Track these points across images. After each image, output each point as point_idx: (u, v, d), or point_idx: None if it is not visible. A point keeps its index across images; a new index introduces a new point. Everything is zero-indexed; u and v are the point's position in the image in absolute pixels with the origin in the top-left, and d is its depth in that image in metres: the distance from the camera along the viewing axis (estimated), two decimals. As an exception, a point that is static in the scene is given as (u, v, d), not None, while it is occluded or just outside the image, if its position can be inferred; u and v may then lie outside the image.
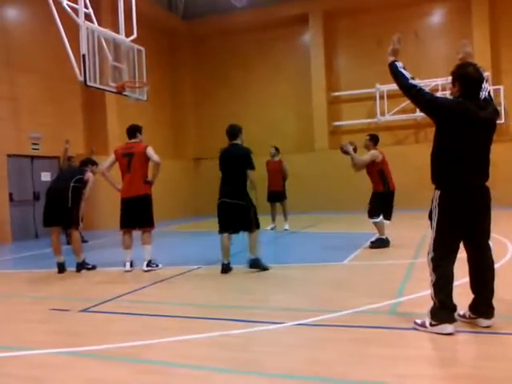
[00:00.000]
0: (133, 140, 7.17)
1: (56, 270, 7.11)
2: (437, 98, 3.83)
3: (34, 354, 3.68)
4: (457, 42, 13.99)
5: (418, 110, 14.62)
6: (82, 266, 7.20)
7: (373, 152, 7.99)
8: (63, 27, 8.12)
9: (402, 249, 7.86)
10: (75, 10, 8.24)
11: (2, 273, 7.82)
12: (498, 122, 3.91)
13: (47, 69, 13.13)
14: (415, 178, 14.31)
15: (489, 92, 3.83)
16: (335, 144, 17.24)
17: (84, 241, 9.66)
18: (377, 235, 8.14)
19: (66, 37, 8.10)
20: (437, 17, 16.46)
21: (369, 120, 16.76)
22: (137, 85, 9.24)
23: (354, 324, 4.04)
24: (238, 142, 6.76)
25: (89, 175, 7.31)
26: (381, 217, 7.95)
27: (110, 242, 10.96)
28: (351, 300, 4.78)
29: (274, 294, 5.37)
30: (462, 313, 3.86)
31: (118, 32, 9.08)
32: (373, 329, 3.91)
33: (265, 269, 6.51)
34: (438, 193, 3.76)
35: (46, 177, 12.90)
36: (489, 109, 3.71)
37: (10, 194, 12.18)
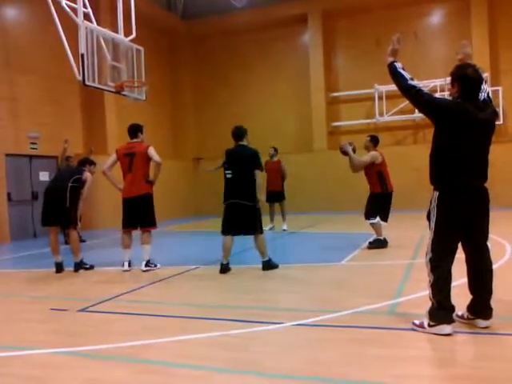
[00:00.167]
0: (134, 140, 7.16)
1: (54, 269, 7.11)
2: (436, 98, 3.83)
3: (33, 354, 3.68)
4: (456, 42, 13.99)
5: (416, 110, 14.65)
6: (80, 266, 7.19)
7: (373, 153, 7.99)
8: (62, 27, 8.11)
9: (401, 249, 7.87)
10: (74, 10, 8.24)
11: (1, 272, 7.80)
12: (496, 123, 3.92)
13: (46, 68, 13.12)
14: (414, 179, 14.34)
15: (488, 93, 3.83)
16: (334, 144, 17.25)
17: (82, 240, 9.66)
18: (374, 236, 8.14)
19: (65, 36, 8.09)
20: (436, 17, 16.48)
21: (367, 120, 16.78)
22: (135, 85, 9.23)
23: (352, 324, 4.05)
24: (244, 142, 6.77)
25: (87, 175, 7.31)
26: (377, 218, 7.95)
27: (108, 242, 10.96)
28: (350, 300, 4.79)
29: (274, 294, 5.38)
30: (460, 313, 3.87)
31: (116, 32, 9.08)
32: (372, 329, 3.91)
33: (276, 267, 6.59)
34: (436, 193, 3.76)
35: (44, 176, 12.88)
36: (488, 110, 3.72)
37: (9, 194, 12.16)
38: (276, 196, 11.44)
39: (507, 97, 14.92)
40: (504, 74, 15.34)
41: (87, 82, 8.02)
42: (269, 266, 6.57)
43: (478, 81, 3.71)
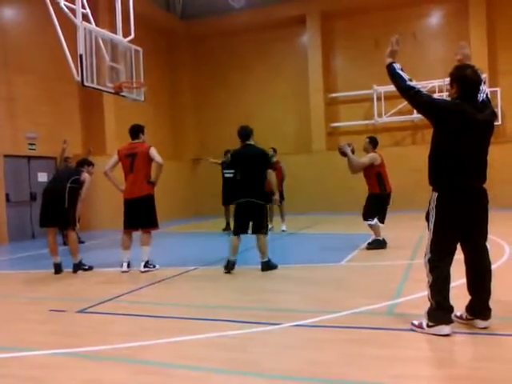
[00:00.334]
0: (136, 140, 7.16)
1: (53, 270, 7.10)
2: (434, 99, 3.83)
3: (32, 355, 3.68)
4: (454, 43, 14.03)
5: (415, 111, 14.68)
6: (78, 267, 7.18)
7: (372, 155, 8.00)
8: (60, 27, 8.09)
9: (400, 250, 7.87)
10: (72, 10, 8.22)
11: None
12: (495, 123, 3.92)
13: (44, 69, 13.11)
14: (412, 180, 14.34)
15: (487, 94, 3.84)
16: (333, 145, 17.24)
17: (81, 241, 9.64)
18: (373, 236, 8.14)
19: (64, 37, 8.08)
20: (434, 18, 16.50)
21: (366, 121, 16.78)
22: (134, 85, 9.22)
23: (351, 325, 4.05)
24: (251, 142, 6.79)
25: (85, 176, 7.30)
26: (376, 219, 7.96)
27: (107, 243, 10.95)
28: (349, 301, 4.79)
29: (272, 294, 5.37)
30: (458, 314, 3.87)
31: (115, 32, 9.07)
32: (370, 330, 3.91)
33: (275, 267, 6.61)
34: (435, 194, 3.77)
35: (42, 177, 12.87)
36: (486, 111, 3.72)
37: (7, 195, 12.14)
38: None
39: (505, 97, 14.94)
40: (502, 74, 15.36)
41: (86, 83, 8.01)
42: (268, 266, 6.57)
43: (477, 82, 3.72)
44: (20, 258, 9.44)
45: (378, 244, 8.00)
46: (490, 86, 14.30)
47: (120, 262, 7.03)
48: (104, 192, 13.38)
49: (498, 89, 14.87)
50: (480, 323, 3.74)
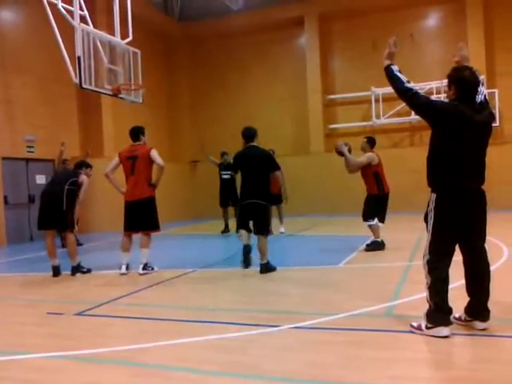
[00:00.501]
0: (137, 142, 7.15)
1: (51, 273, 7.08)
2: (432, 101, 3.83)
3: (30, 358, 3.67)
4: (452, 44, 14.07)
5: (413, 113, 14.67)
6: (77, 270, 7.16)
7: (369, 154, 8.01)
8: (58, 29, 8.10)
9: (398, 251, 7.87)
10: (70, 12, 8.23)
11: (-3, 276, 7.77)
12: (493, 125, 3.92)
13: (42, 71, 13.10)
14: (411, 181, 14.36)
15: (485, 95, 3.84)
16: (331, 147, 17.22)
17: (79, 244, 9.63)
18: (372, 238, 8.15)
19: (61, 39, 8.08)
20: (432, 20, 16.54)
21: (364, 123, 16.80)
22: (132, 87, 9.23)
23: (350, 327, 4.05)
24: (255, 143, 6.80)
25: (83, 178, 7.28)
26: (375, 220, 7.97)
27: (106, 245, 10.94)
28: (348, 303, 4.78)
29: (271, 296, 5.36)
30: (457, 315, 3.87)
31: (113, 34, 9.08)
32: (369, 331, 3.91)
33: (274, 270, 6.62)
34: (433, 196, 3.77)
35: (41, 179, 12.84)
36: (484, 112, 3.73)
37: (5, 197, 12.12)
38: (274, 199, 11.38)
39: (503, 99, 14.97)
40: (500, 76, 15.39)
41: (84, 85, 8.01)
42: (267, 268, 6.57)
43: (475, 83, 3.72)
44: (18, 261, 9.42)
45: (377, 246, 8.01)
46: (488, 88, 14.32)
47: (119, 264, 7.02)
48: (103, 194, 13.38)
49: (496, 90, 14.90)
50: (479, 325, 3.75)
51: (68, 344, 3.97)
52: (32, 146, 12.85)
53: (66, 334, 4.30)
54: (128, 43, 9.24)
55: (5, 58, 12.30)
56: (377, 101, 16.24)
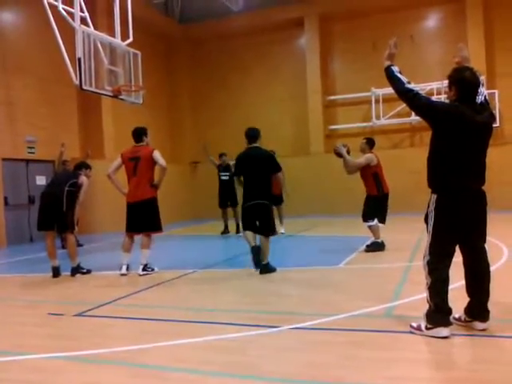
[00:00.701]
0: (139, 143, 7.15)
1: (51, 274, 7.08)
2: (433, 101, 3.84)
3: (30, 359, 3.67)
4: (452, 45, 14.05)
5: (413, 113, 14.66)
6: (76, 271, 7.17)
7: (368, 155, 8.01)
8: (59, 31, 8.11)
9: (398, 252, 7.87)
10: (71, 14, 8.25)
11: (-3, 277, 7.78)
12: (493, 125, 3.92)
13: (43, 72, 13.11)
14: (411, 182, 14.36)
15: (485, 96, 3.84)
16: (331, 148, 17.18)
17: (79, 245, 9.63)
18: (372, 239, 8.14)
19: (62, 40, 8.09)
20: (432, 21, 16.55)
21: (364, 124, 16.81)
22: (133, 88, 9.23)
23: (350, 327, 4.05)
24: (258, 144, 6.80)
25: (83, 179, 7.28)
26: (375, 220, 7.96)
27: (106, 246, 10.94)
28: (347, 303, 4.78)
29: (271, 297, 5.36)
30: (457, 316, 3.87)
31: (113, 36, 9.09)
32: (369, 332, 3.91)
33: (274, 270, 6.62)
34: (434, 196, 3.77)
35: (41, 180, 12.84)
36: (485, 113, 3.73)
37: (5, 198, 12.12)
38: (275, 199, 11.40)
39: (503, 99, 14.97)
40: (500, 76, 15.39)
41: (84, 86, 8.02)
42: (267, 269, 6.57)
43: (476, 84, 3.72)
44: (18, 262, 9.42)
45: (377, 246, 8.00)
46: (488, 88, 14.30)
47: (119, 264, 7.02)
48: (103, 195, 13.39)
49: (496, 91, 14.90)
50: (479, 325, 3.75)
51: (68, 345, 3.98)
52: (32, 147, 12.86)
53: (66, 335, 4.30)
54: (128, 44, 9.25)
55: (6, 60, 12.31)
56: (377, 102, 16.24)
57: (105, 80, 8.73)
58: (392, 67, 3.90)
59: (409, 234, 9.75)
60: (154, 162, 6.95)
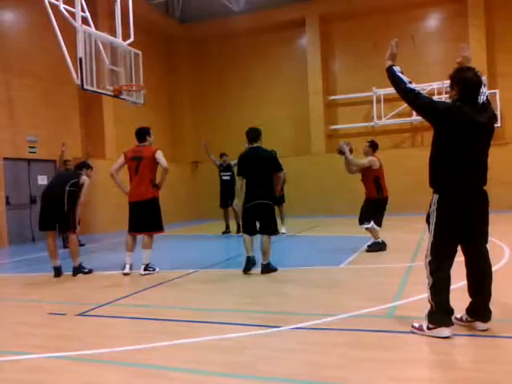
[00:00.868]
0: (142, 143, 7.15)
1: (52, 274, 7.09)
2: (435, 101, 3.83)
3: (31, 359, 3.67)
4: (453, 45, 14.02)
5: (414, 113, 14.65)
6: (78, 270, 7.17)
7: (371, 158, 8.02)
8: (60, 31, 8.11)
9: (400, 252, 7.87)
10: (72, 14, 8.25)
11: (-1, 277, 7.79)
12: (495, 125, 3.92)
13: (44, 72, 13.12)
14: (412, 182, 14.37)
15: (487, 96, 3.83)
16: (332, 147, 17.25)
17: (81, 244, 9.64)
18: (373, 239, 8.14)
19: (63, 40, 8.09)
20: (433, 21, 16.54)
21: (365, 124, 16.81)
22: (134, 88, 9.24)
23: (351, 328, 4.04)
24: (259, 144, 6.80)
25: (84, 179, 7.28)
26: (371, 223, 7.95)
27: (107, 246, 10.95)
28: (348, 303, 4.78)
29: (272, 297, 5.36)
30: (459, 316, 3.87)
31: (114, 36, 9.09)
32: (370, 332, 3.91)
33: (275, 270, 6.63)
34: (436, 196, 3.77)
35: (42, 180, 12.86)
36: (487, 113, 3.72)
37: (7, 198, 12.14)
38: (276, 199, 11.39)
39: (504, 100, 14.96)
40: (501, 76, 15.39)
41: (85, 86, 8.02)
42: (268, 269, 6.58)
43: (478, 84, 3.71)
44: (19, 261, 9.43)
45: (378, 246, 8.00)
46: (489, 88, 14.30)
47: (122, 263, 7.03)
48: (104, 195, 13.42)
49: (497, 91, 14.89)
50: (480, 325, 3.74)
51: (69, 344, 3.98)
52: (34, 147, 12.87)
53: (67, 335, 4.30)
54: (129, 44, 9.25)
55: (7, 60, 12.32)
56: (378, 101, 16.24)
57: (106, 80, 8.73)
58: (394, 67, 3.90)
59: (410, 234, 9.75)
60: (156, 163, 6.95)
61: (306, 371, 3.21)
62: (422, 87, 13.95)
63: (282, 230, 11.36)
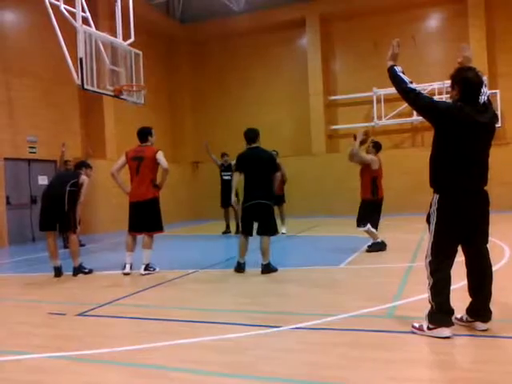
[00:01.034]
0: (144, 144, 7.15)
1: (53, 274, 7.09)
2: (436, 101, 3.83)
3: (31, 359, 3.67)
4: (453, 45, 13.98)
5: (415, 113, 14.64)
6: (78, 270, 7.17)
7: (373, 157, 8.04)
8: (60, 31, 8.11)
9: (400, 252, 7.87)
10: (72, 14, 8.25)
11: (-1, 277, 7.79)
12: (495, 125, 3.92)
13: (44, 72, 13.12)
14: (412, 182, 14.37)
15: (488, 96, 3.83)
16: (332, 148, 17.29)
17: (81, 244, 9.63)
18: (372, 240, 8.13)
19: (64, 40, 8.10)
20: (433, 21, 16.53)
21: (366, 124, 16.79)
22: (134, 88, 9.24)
23: (351, 328, 4.04)
24: (258, 144, 6.81)
25: (83, 178, 7.28)
26: (368, 225, 7.94)
27: (108, 246, 10.95)
28: (348, 303, 4.78)
29: (272, 297, 5.36)
30: (459, 316, 3.87)
31: (115, 36, 9.09)
32: (370, 332, 3.91)
33: (275, 270, 6.64)
34: (436, 197, 3.76)
35: (43, 180, 12.86)
36: (488, 113, 3.72)
37: (7, 198, 12.14)
38: (276, 199, 11.40)
39: (505, 100, 14.95)
40: (501, 76, 15.38)
41: (86, 86, 8.02)
42: (268, 269, 6.58)
43: (479, 84, 3.71)
44: (20, 261, 9.43)
45: (378, 246, 8.00)
46: (490, 89, 14.26)
47: (123, 263, 7.03)
48: (105, 195, 13.42)
49: (498, 91, 14.89)
50: (480, 325, 3.74)
51: (70, 344, 3.98)
52: (34, 147, 12.87)
53: (67, 335, 4.30)
54: (130, 45, 9.25)
55: (7, 60, 12.33)
56: (378, 102, 16.24)
57: (106, 80, 8.73)
58: (395, 67, 3.90)
59: (410, 235, 9.74)
60: (157, 163, 6.96)
61: (305, 371, 3.20)
62: (423, 87, 13.94)
63: (283, 230, 11.36)
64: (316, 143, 17.13)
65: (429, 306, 3.74)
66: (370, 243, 8.18)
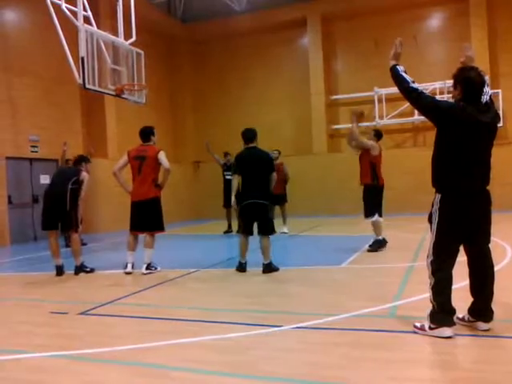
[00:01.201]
0: (146, 143, 7.15)
1: (54, 272, 7.10)
2: (438, 101, 3.82)
3: (32, 358, 3.67)
4: (455, 45, 13.96)
5: (416, 113, 14.63)
6: (80, 269, 7.18)
7: (373, 143, 8.06)
8: (62, 30, 8.11)
9: (401, 252, 7.86)
10: (74, 13, 8.25)
11: (0, 276, 7.79)
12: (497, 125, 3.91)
13: (46, 72, 13.13)
14: (413, 182, 14.35)
15: (490, 96, 3.82)
16: (334, 147, 17.27)
17: (83, 243, 9.65)
18: (374, 237, 8.11)
19: (65, 39, 8.10)
20: (435, 20, 16.51)
21: (367, 123, 16.75)
22: (136, 88, 9.24)
23: (352, 327, 4.04)
24: (255, 144, 6.81)
25: (84, 175, 7.28)
26: (376, 215, 7.93)
27: (109, 245, 10.96)
28: (350, 303, 4.77)
29: (273, 297, 5.36)
30: (461, 316, 3.86)
31: (116, 35, 9.09)
32: (371, 332, 3.90)
33: (276, 270, 6.64)
34: (438, 196, 3.76)
35: (44, 179, 12.86)
36: (490, 113, 3.71)
37: (9, 197, 12.16)
38: (278, 199, 11.41)
39: (507, 99, 14.93)
40: (503, 76, 15.36)
41: (87, 86, 8.03)
42: (269, 268, 6.58)
43: (481, 83, 3.70)
44: (21, 260, 9.44)
45: (379, 244, 7.99)
46: (491, 88, 14.17)
47: (124, 262, 7.04)
48: (106, 194, 13.43)
49: (500, 90, 14.87)
50: (482, 325, 3.73)
51: (71, 343, 3.98)
52: (36, 146, 12.89)
53: (69, 334, 4.31)
54: (131, 44, 9.25)
55: (9, 59, 12.34)
56: (380, 101, 16.21)
57: (108, 79, 8.74)
58: (397, 67, 3.89)
59: (412, 234, 9.73)
60: (159, 163, 6.96)
61: (306, 371, 3.20)
62: (425, 87, 13.86)
63: (284, 229, 11.36)
64: (317, 143, 17.12)
65: (430, 306, 3.73)
66: (370, 242, 8.17)
